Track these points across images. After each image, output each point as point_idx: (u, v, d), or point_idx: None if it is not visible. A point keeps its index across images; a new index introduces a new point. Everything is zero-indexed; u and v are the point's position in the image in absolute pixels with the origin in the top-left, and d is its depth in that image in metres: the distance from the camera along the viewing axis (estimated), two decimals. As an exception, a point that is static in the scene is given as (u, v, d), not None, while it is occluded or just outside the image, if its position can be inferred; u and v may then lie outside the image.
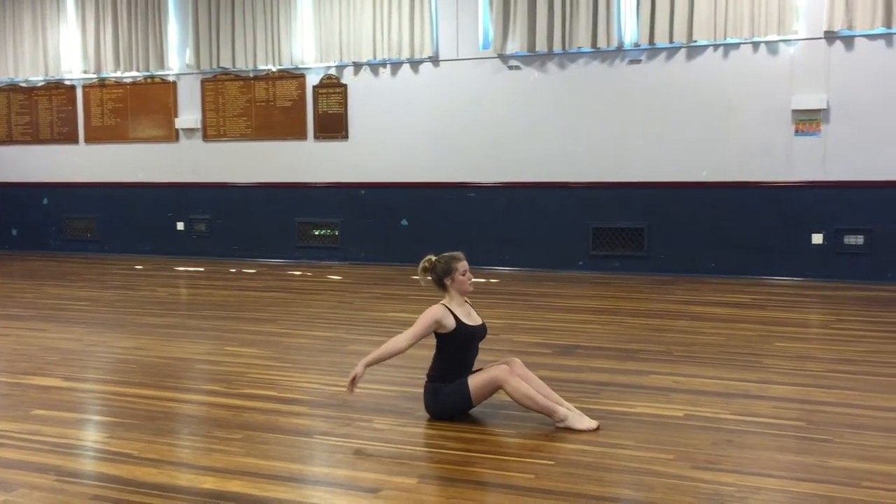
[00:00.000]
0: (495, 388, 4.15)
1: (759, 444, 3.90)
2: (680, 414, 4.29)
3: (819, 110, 8.23)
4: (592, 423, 4.04)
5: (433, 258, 4.38)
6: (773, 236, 8.51)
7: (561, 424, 4.04)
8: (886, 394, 4.60)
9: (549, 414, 4.07)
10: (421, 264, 4.39)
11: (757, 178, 8.52)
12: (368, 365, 4.23)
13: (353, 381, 4.18)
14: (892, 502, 3.22)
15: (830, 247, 8.33)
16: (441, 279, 4.31)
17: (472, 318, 4.33)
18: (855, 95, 8.13)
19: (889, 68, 8.02)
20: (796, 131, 8.35)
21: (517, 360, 4.30)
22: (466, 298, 4.40)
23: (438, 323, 4.20)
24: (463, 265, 4.33)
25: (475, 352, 4.35)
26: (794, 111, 8.30)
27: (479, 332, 4.34)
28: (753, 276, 8.48)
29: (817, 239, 8.36)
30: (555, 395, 4.19)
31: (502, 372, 4.14)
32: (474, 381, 4.17)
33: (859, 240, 8.26)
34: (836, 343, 5.85)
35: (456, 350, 4.26)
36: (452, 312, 4.24)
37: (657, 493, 3.34)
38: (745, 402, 4.48)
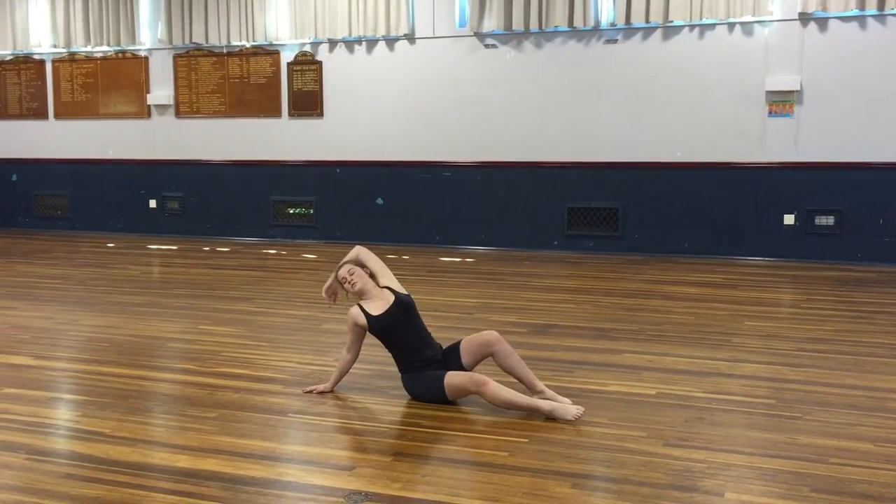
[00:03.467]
0: (471, 392, 4.05)
1: (729, 421, 3.96)
2: (652, 392, 4.34)
3: (792, 91, 8.29)
4: (578, 411, 3.94)
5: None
6: (745, 217, 8.59)
7: (550, 416, 3.95)
8: (854, 372, 4.68)
9: (533, 411, 3.97)
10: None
11: (730, 158, 8.59)
12: (334, 384, 4.39)
13: (315, 392, 4.36)
14: (858, 478, 3.29)
15: (802, 227, 8.43)
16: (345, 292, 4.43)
17: (384, 302, 4.24)
18: (828, 77, 8.20)
19: (862, 50, 8.09)
20: (770, 112, 8.41)
21: (495, 336, 4.22)
22: (386, 285, 4.34)
23: (357, 325, 4.26)
24: (341, 273, 4.35)
25: (414, 328, 4.23)
26: (768, 92, 8.35)
27: (395, 314, 4.20)
28: (726, 256, 8.56)
29: (789, 219, 8.46)
30: (530, 376, 4.18)
31: (478, 380, 4.00)
32: (450, 381, 4.06)
33: (830, 221, 8.36)
34: (806, 322, 5.93)
35: (387, 339, 4.25)
36: (364, 310, 4.24)
37: (629, 470, 3.38)
38: (715, 381, 4.54)
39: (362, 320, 4.24)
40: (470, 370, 4.21)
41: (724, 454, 3.53)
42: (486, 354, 4.21)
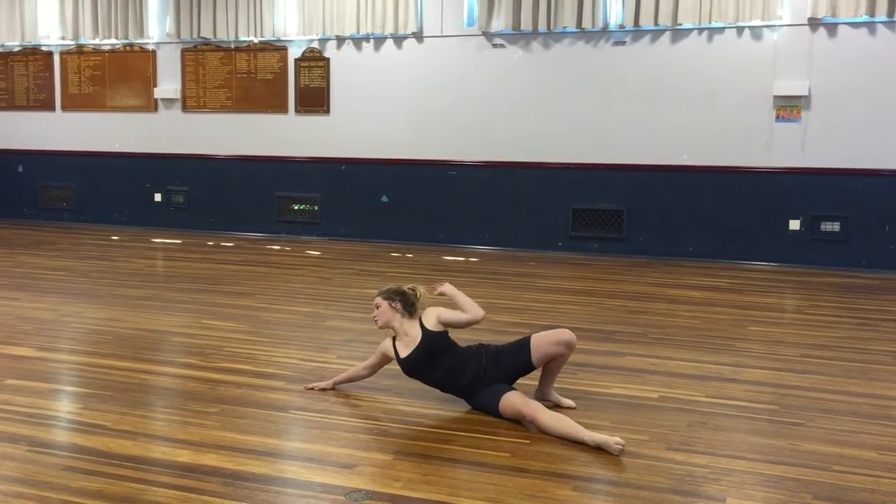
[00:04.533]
0: (523, 419, 3.87)
1: (732, 426, 3.94)
2: (655, 395, 4.33)
3: (800, 97, 8.27)
4: (618, 445, 3.57)
5: None
6: (751, 221, 8.57)
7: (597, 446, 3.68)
8: (858, 379, 4.67)
9: (579, 441, 3.68)
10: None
11: (737, 163, 8.56)
12: (337, 384, 4.37)
13: (316, 389, 4.34)
14: (861, 486, 3.27)
15: (807, 233, 8.40)
16: None
17: (411, 340, 4.07)
18: (836, 83, 8.17)
19: (871, 57, 8.07)
20: (777, 117, 8.39)
21: (574, 340, 4.08)
22: (418, 319, 4.10)
23: (385, 355, 4.20)
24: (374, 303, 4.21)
25: (444, 363, 4.02)
26: (776, 97, 8.33)
27: (418, 355, 4.02)
28: (731, 261, 8.54)
29: (794, 225, 8.43)
30: (553, 381, 4.15)
31: (528, 413, 3.79)
32: (504, 407, 3.88)
33: (836, 227, 8.34)
34: (810, 328, 5.91)
35: (415, 376, 4.14)
36: (395, 348, 4.14)
37: (631, 474, 3.37)
38: (719, 385, 4.53)
39: (391, 354, 4.15)
40: (537, 367, 4.09)
41: (727, 459, 3.52)
42: (559, 354, 4.07)
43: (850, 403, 4.25)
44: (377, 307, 4.16)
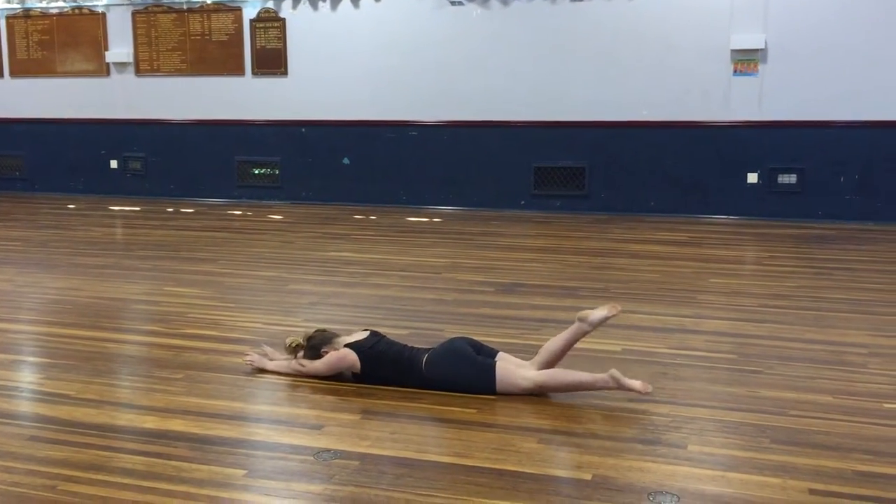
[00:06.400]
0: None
1: (692, 376, 4.03)
2: (618, 348, 4.39)
3: (757, 50, 8.32)
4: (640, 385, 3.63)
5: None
6: (710, 175, 8.66)
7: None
8: (814, 327, 4.78)
9: (599, 386, 3.70)
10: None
11: (695, 117, 8.63)
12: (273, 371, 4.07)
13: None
14: (816, 429, 3.37)
15: (765, 186, 8.52)
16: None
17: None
18: (792, 36, 8.24)
19: (826, 9, 8.13)
20: (734, 71, 8.44)
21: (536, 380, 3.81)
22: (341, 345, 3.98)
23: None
24: None
25: (387, 368, 3.88)
26: (733, 51, 8.38)
27: (366, 371, 3.89)
28: (691, 215, 8.64)
29: (752, 178, 8.55)
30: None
31: (537, 383, 3.72)
32: (501, 384, 3.75)
33: (792, 179, 8.47)
34: (768, 279, 6.03)
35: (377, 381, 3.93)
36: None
37: (595, 425, 3.44)
38: (680, 337, 4.61)
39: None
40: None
41: (688, 408, 3.60)
42: None
43: (807, 350, 4.36)
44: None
